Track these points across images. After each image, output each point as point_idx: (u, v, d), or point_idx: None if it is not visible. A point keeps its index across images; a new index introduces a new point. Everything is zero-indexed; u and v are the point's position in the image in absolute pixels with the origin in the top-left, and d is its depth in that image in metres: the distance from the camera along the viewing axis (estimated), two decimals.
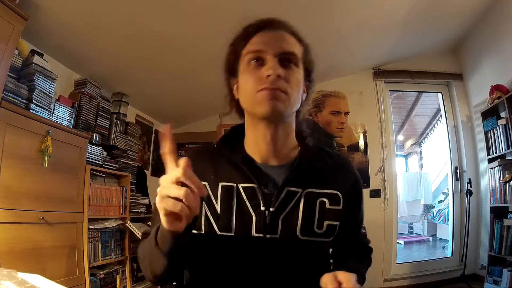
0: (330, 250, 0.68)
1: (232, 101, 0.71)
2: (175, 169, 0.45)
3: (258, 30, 0.65)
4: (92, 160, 2.07)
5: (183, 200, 0.43)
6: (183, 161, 0.45)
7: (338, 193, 0.66)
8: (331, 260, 0.71)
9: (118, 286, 2.19)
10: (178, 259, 0.55)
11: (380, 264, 2.89)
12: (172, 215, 0.45)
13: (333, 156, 0.72)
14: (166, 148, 0.47)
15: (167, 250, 0.53)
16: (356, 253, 0.73)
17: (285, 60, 0.62)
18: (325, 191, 0.65)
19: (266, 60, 0.61)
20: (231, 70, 0.68)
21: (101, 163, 2.19)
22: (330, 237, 0.64)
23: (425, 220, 5.73)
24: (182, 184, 0.44)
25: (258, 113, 0.61)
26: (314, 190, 0.64)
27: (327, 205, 0.64)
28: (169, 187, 0.44)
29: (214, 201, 0.63)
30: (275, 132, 0.65)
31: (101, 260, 2.05)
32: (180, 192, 0.43)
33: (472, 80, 3.10)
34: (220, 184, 0.63)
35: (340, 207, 0.66)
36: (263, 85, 0.59)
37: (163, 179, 0.46)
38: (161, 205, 0.45)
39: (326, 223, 0.64)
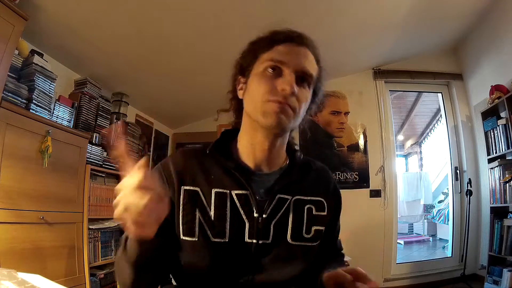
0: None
1: (233, 99, 0.71)
2: (133, 174, 0.42)
3: (285, 41, 0.64)
4: (92, 160, 2.07)
5: (145, 209, 0.41)
6: (140, 164, 0.42)
7: (323, 200, 0.69)
8: None
9: (118, 286, 2.19)
10: (147, 269, 0.54)
11: (380, 264, 2.89)
12: (136, 224, 0.42)
13: (316, 165, 0.74)
14: (119, 149, 0.43)
15: (134, 258, 0.52)
16: (334, 258, 0.75)
17: (301, 78, 0.62)
18: (312, 198, 0.68)
19: (284, 73, 0.61)
20: (243, 69, 0.68)
21: (101, 163, 2.19)
22: (316, 242, 0.66)
23: (425, 220, 5.73)
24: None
25: (262, 123, 0.61)
26: (302, 197, 0.67)
27: (314, 211, 0.67)
28: (129, 195, 0.42)
29: (207, 208, 0.62)
30: (273, 142, 0.65)
31: (101, 260, 2.05)
32: (141, 201, 0.41)
33: (472, 80, 3.10)
34: (214, 190, 0.63)
35: (325, 213, 0.69)
36: (275, 97, 0.59)
37: (122, 186, 0.43)
38: (121, 216, 0.42)
39: (313, 228, 0.66)
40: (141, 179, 0.41)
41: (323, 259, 0.70)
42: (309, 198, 0.67)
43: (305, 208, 0.66)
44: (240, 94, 0.68)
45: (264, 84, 0.61)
